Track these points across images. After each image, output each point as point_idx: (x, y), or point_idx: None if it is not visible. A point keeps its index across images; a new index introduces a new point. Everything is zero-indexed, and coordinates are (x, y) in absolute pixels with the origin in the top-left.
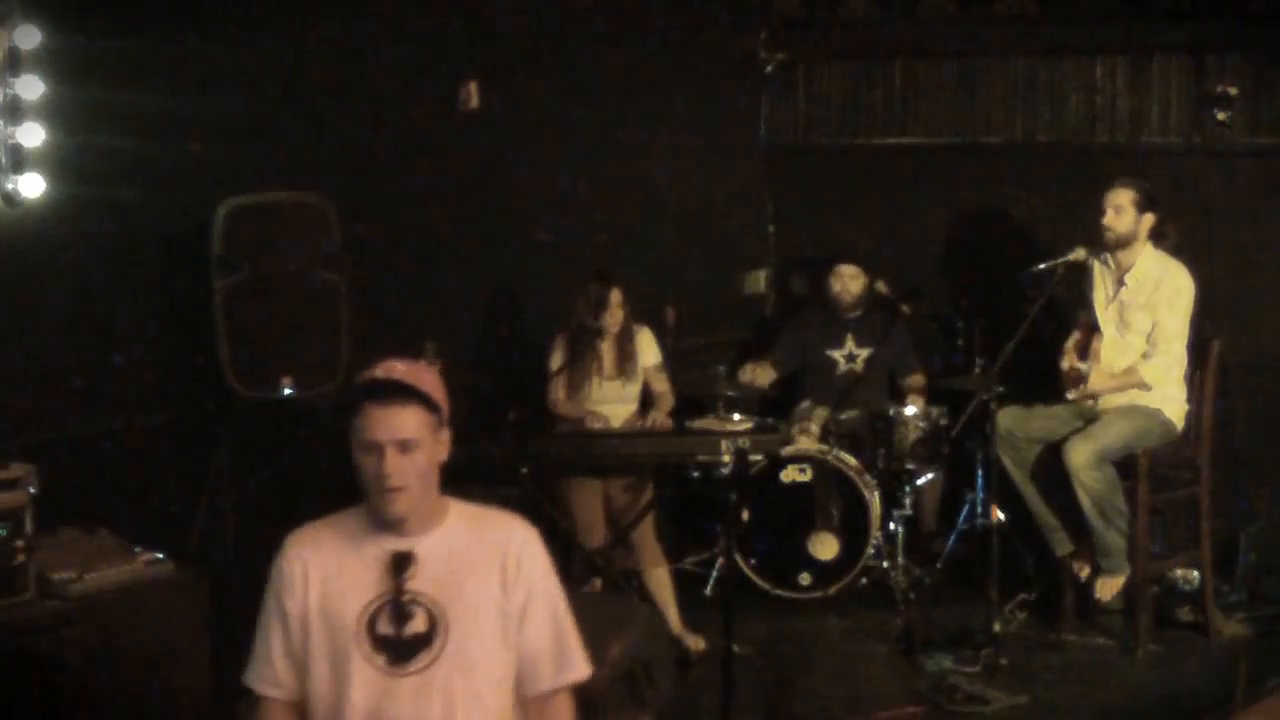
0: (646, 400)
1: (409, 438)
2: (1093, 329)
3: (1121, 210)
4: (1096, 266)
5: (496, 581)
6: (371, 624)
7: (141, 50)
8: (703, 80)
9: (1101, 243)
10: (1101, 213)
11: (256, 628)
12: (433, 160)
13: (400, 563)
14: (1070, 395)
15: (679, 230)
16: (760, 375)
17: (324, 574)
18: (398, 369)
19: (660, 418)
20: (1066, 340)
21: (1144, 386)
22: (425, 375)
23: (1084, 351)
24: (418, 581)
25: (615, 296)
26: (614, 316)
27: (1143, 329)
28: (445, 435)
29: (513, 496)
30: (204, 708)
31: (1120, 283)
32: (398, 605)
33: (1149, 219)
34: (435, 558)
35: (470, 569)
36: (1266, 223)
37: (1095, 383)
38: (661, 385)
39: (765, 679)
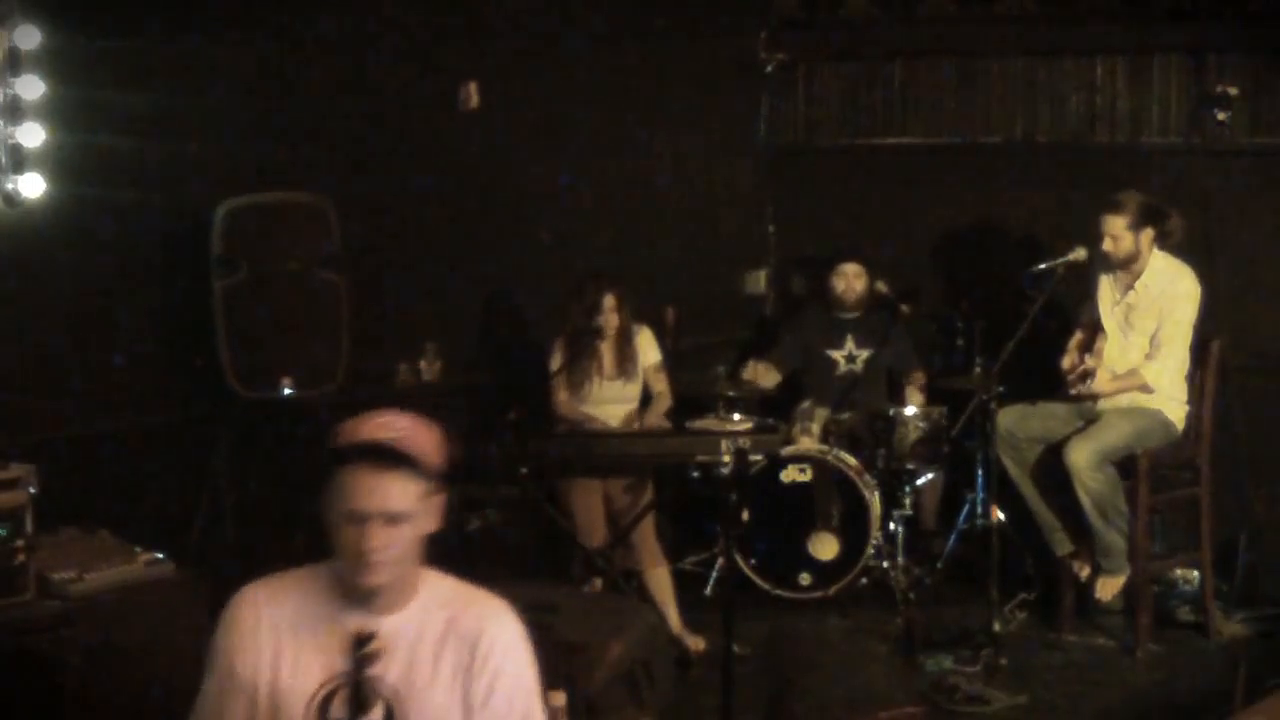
0: (648, 401)
1: (399, 510)
2: (1096, 328)
3: (1118, 238)
4: (1103, 273)
5: (463, 673)
6: (324, 707)
7: (141, 50)
8: (703, 80)
9: (1106, 263)
10: (1100, 237)
11: (199, 694)
12: (433, 160)
13: (362, 644)
14: (1073, 391)
15: (679, 230)
16: (764, 375)
17: (279, 640)
18: (394, 428)
19: (655, 418)
20: (1069, 340)
21: (1146, 389)
22: (423, 436)
23: (1088, 349)
24: (380, 666)
25: (609, 301)
26: (609, 321)
27: (1147, 330)
28: (437, 502)
29: (513, 496)
30: None
31: (1129, 288)
32: (356, 691)
33: (1148, 233)
34: (402, 641)
35: (438, 659)
36: (1266, 223)
37: (1099, 385)
38: (660, 385)
39: (765, 679)
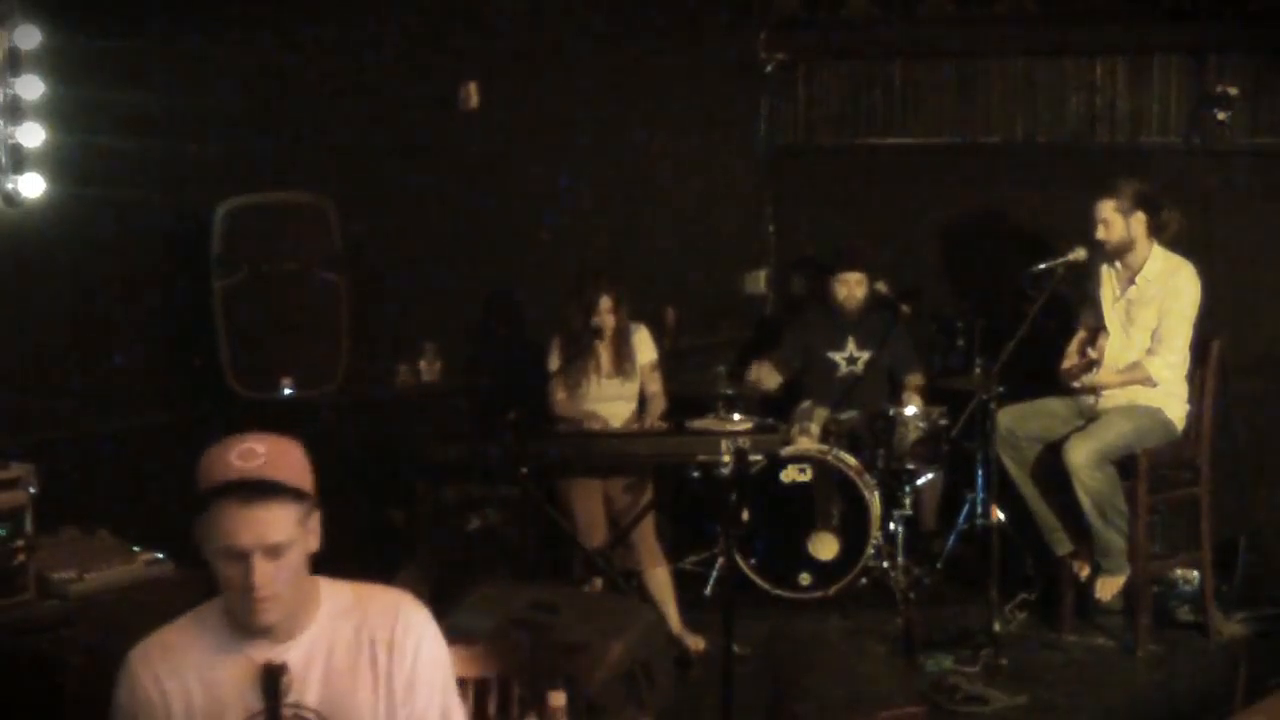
0: (645, 399)
1: (280, 541)
2: (1098, 329)
3: (1109, 223)
4: (1104, 268)
5: (383, 675)
6: None
7: (141, 50)
8: (703, 80)
9: (1103, 253)
10: (1093, 225)
11: None
12: (433, 160)
13: (272, 677)
14: (1075, 384)
15: (679, 230)
16: (766, 377)
17: (188, 699)
18: (256, 456)
19: (653, 421)
20: (1070, 342)
21: (1149, 382)
22: (289, 458)
23: (1088, 349)
24: (298, 693)
25: (606, 302)
26: (606, 321)
27: (1148, 325)
28: (315, 521)
29: (513, 496)
30: None
31: (1130, 282)
32: None
33: (1139, 219)
34: (313, 662)
35: (355, 668)
36: (1266, 223)
37: (1101, 377)
38: (654, 385)
39: (765, 679)
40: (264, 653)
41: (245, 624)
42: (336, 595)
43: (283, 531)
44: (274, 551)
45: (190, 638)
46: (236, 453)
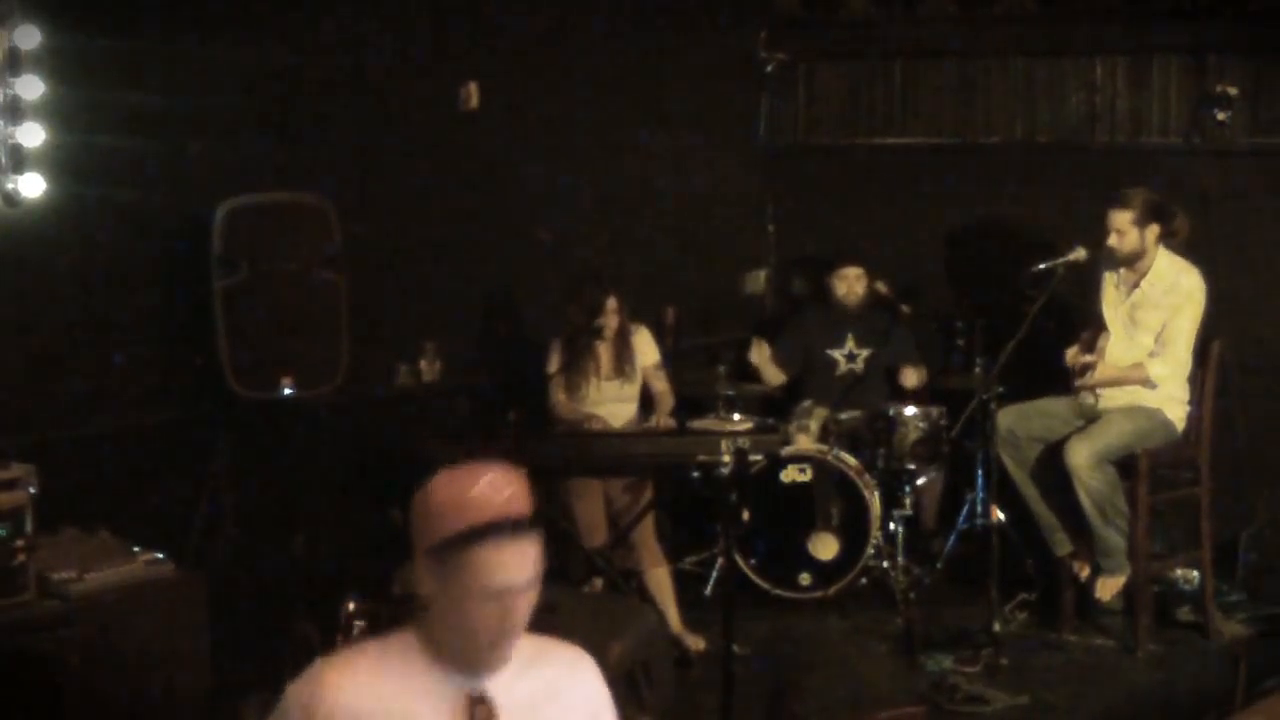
0: (646, 400)
1: (538, 576)
2: (1100, 326)
3: (1123, 233)
4: (1107, 271)
5: None
6: None
7: (141, 50)
8: (703, 80)
9: (1111, 260)
10: (1105, 232)
11: None
12: (433, 160)
13: (478, 709)
14: (1076, 383)
15: (679, 230)
16: (766, 363)
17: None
18: (508, 487)
19: (663, 418)
20: (1073, 341)
21: (1149, 384)
22: (525, 488)
23: (1090, 347)
24: None
25: (611, 303)
26: (610, 322)
27: (1152, 328)
28: None
29: None
30: (204, 708)
31: (1135, 286)
32: None
33: (1153, 230)
34: (508, 703)
35: (545, 715)
36: (1266, 223)
37: (1101, 373)
38: (661, 384)
39: (765, 679)
40: (463, 684)
41: (479, 661)
42: (522, 643)
43: (538, 564)
44: (532, 586)
45: (382, 663)
46: (487, 486)
